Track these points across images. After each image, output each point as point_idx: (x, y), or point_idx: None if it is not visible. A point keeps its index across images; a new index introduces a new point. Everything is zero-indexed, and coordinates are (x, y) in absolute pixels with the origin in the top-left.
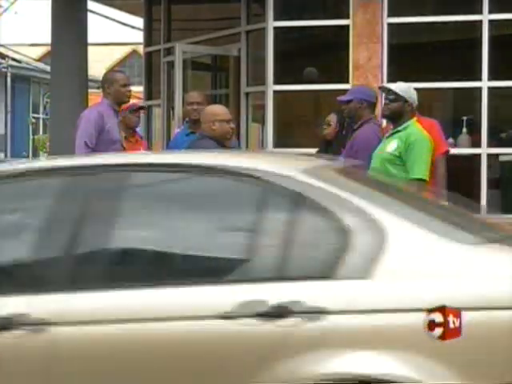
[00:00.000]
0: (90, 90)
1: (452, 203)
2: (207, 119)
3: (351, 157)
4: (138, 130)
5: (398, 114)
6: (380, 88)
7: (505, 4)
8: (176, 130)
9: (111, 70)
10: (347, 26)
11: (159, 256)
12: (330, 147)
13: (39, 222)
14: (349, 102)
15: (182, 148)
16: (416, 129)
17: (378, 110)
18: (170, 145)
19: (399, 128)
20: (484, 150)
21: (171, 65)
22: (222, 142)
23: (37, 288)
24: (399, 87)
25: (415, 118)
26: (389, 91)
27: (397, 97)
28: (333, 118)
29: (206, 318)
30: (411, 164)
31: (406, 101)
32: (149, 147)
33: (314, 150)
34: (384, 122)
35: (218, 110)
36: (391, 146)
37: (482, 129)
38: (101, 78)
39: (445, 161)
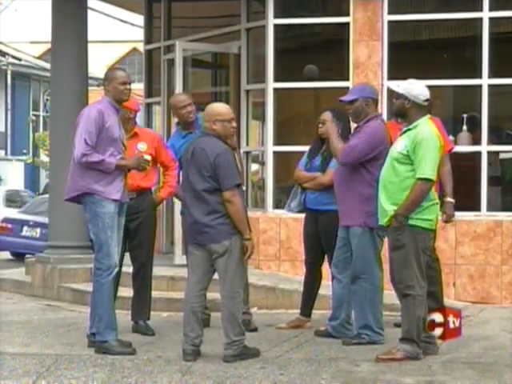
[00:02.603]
0: (90, 88)
1: None
2: (208, 118)
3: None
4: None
5: (400, 112)
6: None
7: (505, 2)
8: (175, 128)
9: (113, 68)
10: (347, 24)
11: None
12: (323, 146)
13: None
14: (352, 101)
15: (180, 150)
16: (426, 127)
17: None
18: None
19: (410, 126)
20: (484, 148)
21: (171, 62)
22: (224, 140)
23: None
24: (401, 85)
25: (428, 116)
26: (393, 91)
27: (398, 95)
28: (328, 116)
29: None
30: (418, 163)
31: (406, 98)
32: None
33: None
34: (385, 119)
35: (220, 109)
36: (401, 144)
37: (482, 126)
38: (101, 76)
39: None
